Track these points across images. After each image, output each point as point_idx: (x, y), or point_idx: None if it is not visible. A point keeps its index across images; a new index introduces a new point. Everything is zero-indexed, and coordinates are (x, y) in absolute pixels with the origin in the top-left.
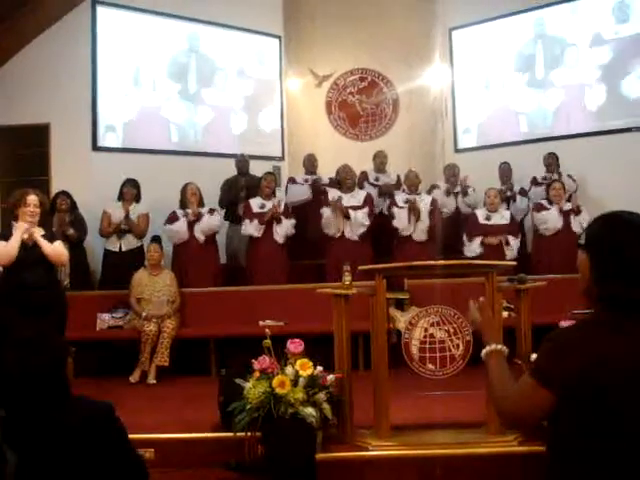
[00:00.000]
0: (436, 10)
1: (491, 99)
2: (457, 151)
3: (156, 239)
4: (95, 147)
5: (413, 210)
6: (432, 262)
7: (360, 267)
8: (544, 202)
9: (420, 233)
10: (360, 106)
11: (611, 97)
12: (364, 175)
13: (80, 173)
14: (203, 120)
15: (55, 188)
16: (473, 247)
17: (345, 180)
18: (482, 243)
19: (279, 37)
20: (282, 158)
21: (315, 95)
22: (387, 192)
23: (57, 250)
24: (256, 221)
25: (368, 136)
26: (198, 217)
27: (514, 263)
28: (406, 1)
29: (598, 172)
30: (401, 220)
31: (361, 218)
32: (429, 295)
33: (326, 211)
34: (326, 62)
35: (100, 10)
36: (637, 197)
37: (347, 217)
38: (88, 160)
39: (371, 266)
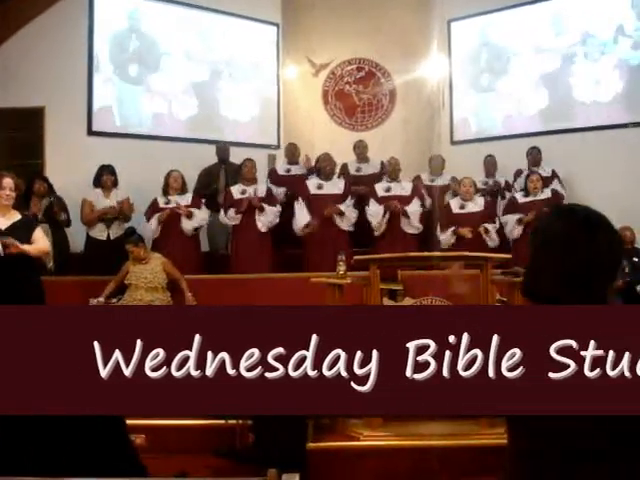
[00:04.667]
0: (435, 2)
1: (487, 92)
2: (453, 143)
3: (130, 236)
4: (90, 131)
5: (390, 210)
6: (427, 253)
7: (356, 257)
8: (518, 195)
9: (408, 227)
10: (357, 96)
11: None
12: (344, 168)
13: (75, 157)
14: (202, 106)
15: (49, 172)
16: (446, 237)
17: (325, 168)
18: (454, 233)
19: (277, 25)
20: (278, 146)
21: (312, 84)
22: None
23: (39, 248)
24: (232, 210)
25: (364, 126)
26: (189, 215)
27: (509, 256)
28: None
29: (590, 169)
30: (375, 217)
31: (351, 212)
32: (422, 286)
33: (299, 207)
34: (324, 51)
35: None
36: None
37: (341, 214)
38: (83, 144)
39: (367, 256)
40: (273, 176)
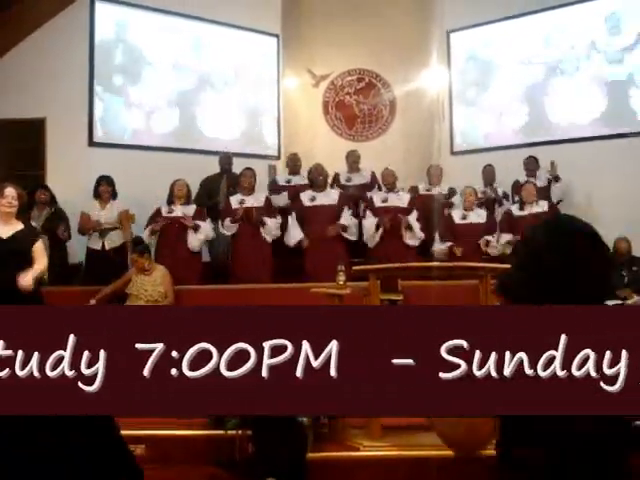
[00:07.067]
0: (434, 12)
1: (488, 102)
2: (453, 153)
3: (137, 245)
4: (91, 142)
5: (383, 226)
6: (427, 264)
7: (355, 267)
8: (514, 208)
9: (411, 239)
10: (357, 107)
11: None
12: (336, 177)
13: (76, 168)
14: (203, 117)
15: (50, 183)
16: (441, 249)
17: (317, 179)
18: (449, 248)
19: (277, 36)
20: (278, 157)
21: (312, 95)
22: (355, 199)
23: (40, 269)
24: (228, 219)
25: (364, 137)
26: (196, 228)
27: (508, 266)
28: (405, 3)
29: (603, 177)
30: (367, 229)
31: (352, 225)
32: (423, 297)
33: (292, 223)
34: (324, 62)
35: (98, 5)
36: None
37: (345, 231)
38: (84, 155)
39: (366, 266)
40: (273, 187)
